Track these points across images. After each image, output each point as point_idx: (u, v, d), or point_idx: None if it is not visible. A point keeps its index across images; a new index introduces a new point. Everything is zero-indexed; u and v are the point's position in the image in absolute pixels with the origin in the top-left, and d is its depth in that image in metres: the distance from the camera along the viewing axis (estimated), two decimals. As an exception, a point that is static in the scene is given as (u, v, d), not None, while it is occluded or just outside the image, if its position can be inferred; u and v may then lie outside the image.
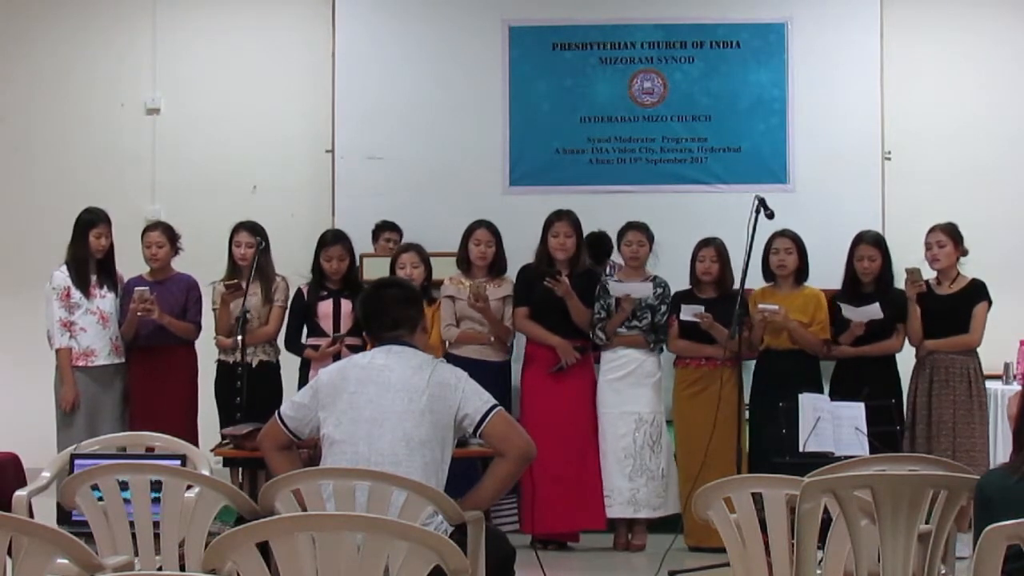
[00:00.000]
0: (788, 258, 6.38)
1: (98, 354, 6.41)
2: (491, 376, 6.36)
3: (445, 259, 6.65)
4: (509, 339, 6.54)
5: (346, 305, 6.39)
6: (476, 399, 3.90)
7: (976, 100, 7.84)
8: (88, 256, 6.42)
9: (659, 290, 6.53)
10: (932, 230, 6.27)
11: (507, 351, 6.57)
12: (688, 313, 6.29)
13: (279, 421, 4.00)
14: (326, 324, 6.40)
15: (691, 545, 6.27)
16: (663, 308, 6.50)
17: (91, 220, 6.44)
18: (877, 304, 6.13)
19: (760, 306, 6.22)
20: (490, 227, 6.53)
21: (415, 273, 6.28)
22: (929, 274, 6.33)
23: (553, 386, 6.43)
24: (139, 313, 6.29)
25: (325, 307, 6.42)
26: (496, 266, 6.54)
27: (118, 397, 6.47)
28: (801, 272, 6.42)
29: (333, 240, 6.51)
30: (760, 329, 6.32)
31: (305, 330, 6.51)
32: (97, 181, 7.87)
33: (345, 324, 6.38)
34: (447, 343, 6.47)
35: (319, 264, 6.48)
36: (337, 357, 6.02)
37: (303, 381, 6.30)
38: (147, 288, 6.32)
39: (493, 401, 3.93)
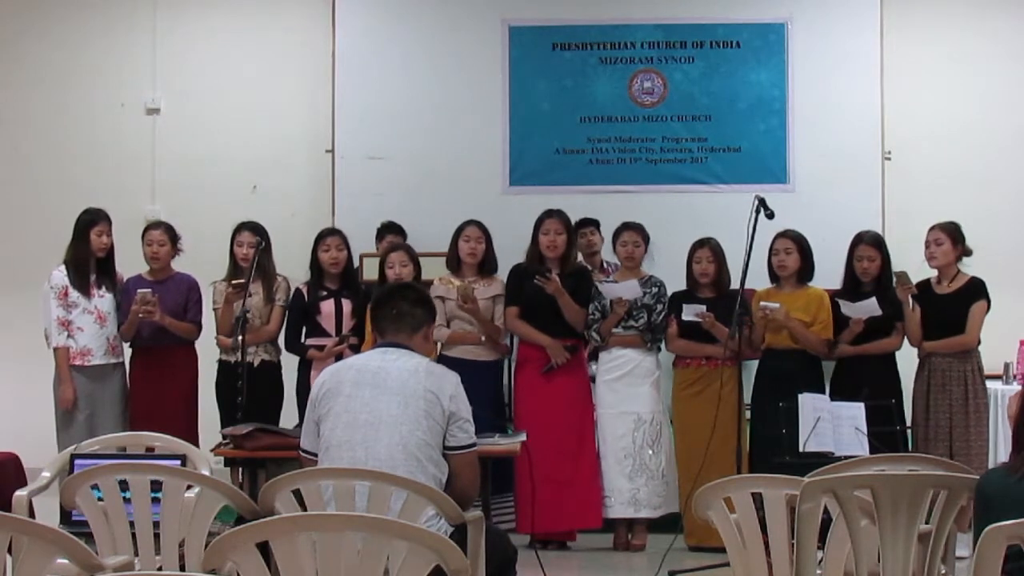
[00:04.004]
0: (788, 258, 6.38)
1: (94, 353, 6.42)
2: (484, 376, 6.37)
3: (444, 259, 6.64)
4: (501, 338, 6.52)
5: (347, 305, 6.41)
6: (463, 426, 3.90)
7: (976, 100, 7.85)
8: (89, 255, 6.43)
9: (655, 289, 6.53)
10: (932, 228, 6.27)
11: (501, 350, 6.54)
12: (690, 313, 6.29)
13: (304, 454, 4.00)
14: (328, 324, 6.41)
15: (691, 545, 6.27)
16: (660, 307, 6.50)
17: (92, 219, 6.46)
18: (874, 299, 6.14)
19: (761, 304, 6.22)
20: (480, 226, 6.52)
21: (404, 272, 6.28)
22: (928, 273, 6.33)
23: (546, 386, 6.42)
24: (140, 315, 6.30)
25: (327, 307, 6.43)
26: (486, 265, 6.53)
27: (116, 396, 6.48)
28: (804, 272, 6.42)
29: (330, 232, 6.61)
30: (761, 328, 6.32)
31: (304, 330, 6.52)
32: (97, 181, 7.87)
33: (346, 324, 6.39)
34: (439, 344, 6.46)
35: (317, 262, 6.49)
36: (339, 357, 6.02)
37: (302, 381, 6.32)
38: (149, 290, 6.32)
39: (474, 439, 3.95)
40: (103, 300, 6.48)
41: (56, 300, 6.40)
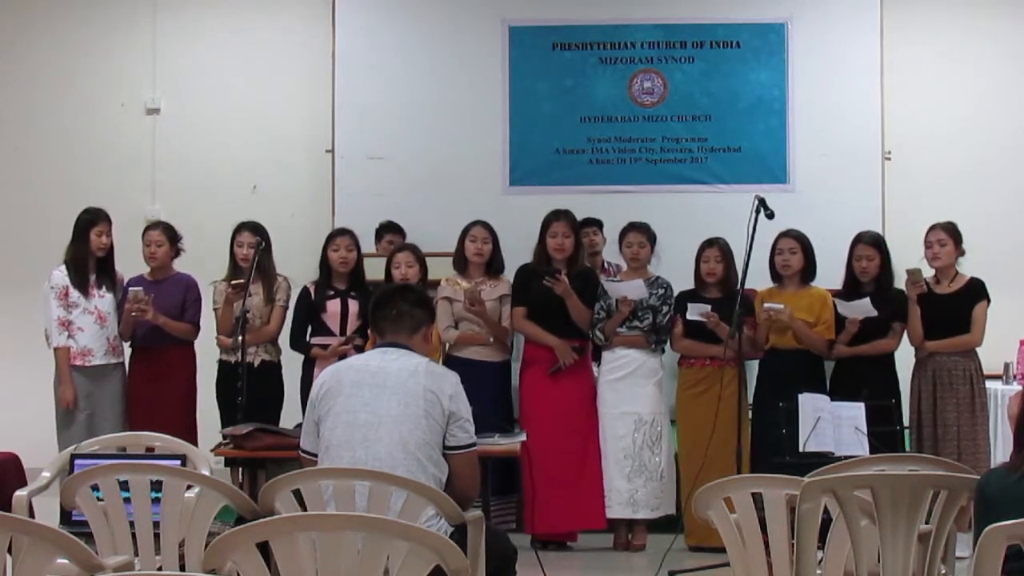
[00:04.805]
0: (792, 258, 6.38)
1: (95, 354, 6.42)
2: (492, 377, 6.39)
3: (444, 259, 6.65)
4: (508, 339, 6.54)
5: (353, 305, 6.42)
6: (463, 425, 3.91)
7: (976, 100, 7.84)
8: (88, 255, 6.43)
9: (661, 291, 6.52)
10: (933, 228, 6.27)
11: (507, 351, 6.57)
12: (695, 312, 6.28)
13: (304, 454, 4.01)
14: (333, 323, 6.42)
15: (691, 545, 6.27)
16: (665, 309, 6.50)
17: (91, 219, 6.45)
18: (868, 299, 6.14)
19: (766, 305, 6.22)
20: (487, 226, 6.54)
21: (410, 272, 6.30)
22: (928, 273, 6.33)
23: (552, 387, 6.43)
24: (133, 314, 6.30)
25: (333, 306, 6.43)
26: (493, 265, 6.54)
27: (117, 396, 6.48)
28: (807, 272, 6.42)
29: (340, 232, 6.61)
30: (765, 329, 6.32)
31: (310, 329, 6.52)
32: (97, 181, 7.87)
33: (352, 324, 6.40)
34: (447, 345, 6.48)
35: (326, 261, 6.49)
36: (342, 357, 6.02)
37: (306, 379, 6.33)
38: (141, 289, 6.32)
39: (474, 439, 3.96)
40: (103, 300, 6.47)
41: (56, 300, 6.40)
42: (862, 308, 6.15)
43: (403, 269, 6.33)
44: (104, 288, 6.49)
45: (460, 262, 6.55)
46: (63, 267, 6.45)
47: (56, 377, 6.42)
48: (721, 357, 6.30)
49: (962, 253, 6.26)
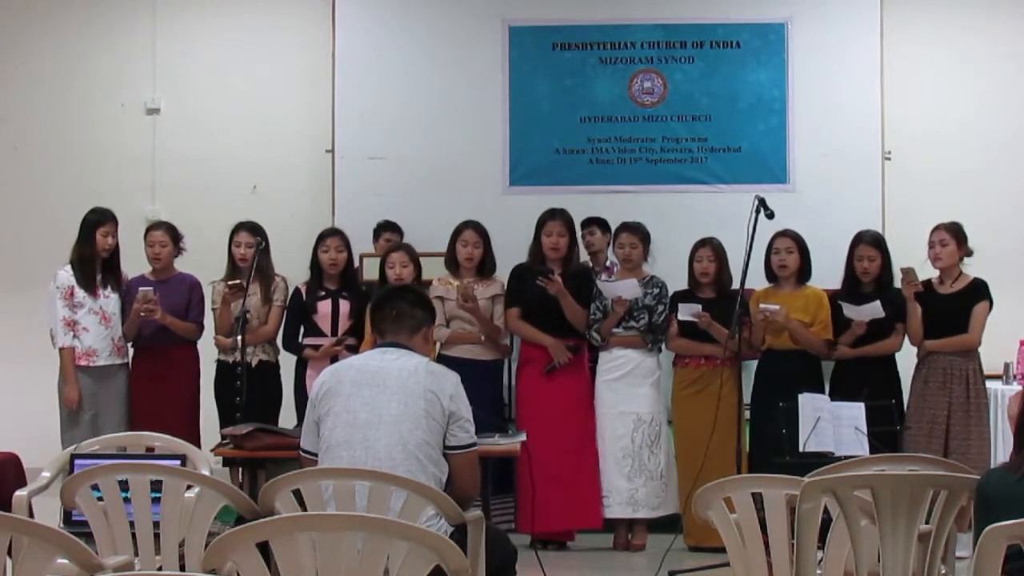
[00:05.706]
0: (789, 258, 6.38)
1: (99, 354, 6.42)
2: (484, 375, 6.37)
3: (443, 259, 6.64)
4: (501, 338, 6.52)
5: (344, 305, 6.41)
6: (463, 425, 3.91)
7: (976, 100, 7.85)
8: (95, 255, 6.43)
9: (656, 290, 6.52)
10: (936, 229, 6.27)
11: (500, 350, 6.55)
12: (686, 312, 6.28)
13: (304, 454, 4.01)
14: (324, 324, 6.41)
15: (691, 545, 6.27)
16: (661, 308, 6.50)
17: (98, 219, 6.45)
18: (878, 302, 6.14)
19: (761, 306, 6.22)
20: (478, 228, 6.51)
21: (404, 272, 6.29)
22: (930, 273, 6.33)
23: (548, 386, 6.42)
24: (142, 314, 6.30)
25: (324, 307, 6.43)
26: (484, 267, 6.53)
27: (121, 397, 6.48)
28: (803, 272, 6.42)
29: (330, 232, 6.59)
30: (761, 329, 6.32)
31: (302, 330, 6.52)
32: (97, 181, 7.88)
33: (343, 325, 6.39)
34: (439, 344, 6.47)
35: (317, 262, 6.49)
36: (335, 358, 6.03)
37: (300, 380, 6.34)
38: (151, 288, 6.32)
39: (474, 439, 3.97)
40: (108, 301, 6.47)
41: (62, 300, 6.40)
42: (870, 311, 6.13)
43: (397, 269, 6.32)
44: (109, 288, 6.48)
45: (451, 263, 6.55)
46: (68, 267, 6.45)
47: (61, 377, 6.42)
48: (716, 356, 6.31)
49: (969, 253, 6.25)
